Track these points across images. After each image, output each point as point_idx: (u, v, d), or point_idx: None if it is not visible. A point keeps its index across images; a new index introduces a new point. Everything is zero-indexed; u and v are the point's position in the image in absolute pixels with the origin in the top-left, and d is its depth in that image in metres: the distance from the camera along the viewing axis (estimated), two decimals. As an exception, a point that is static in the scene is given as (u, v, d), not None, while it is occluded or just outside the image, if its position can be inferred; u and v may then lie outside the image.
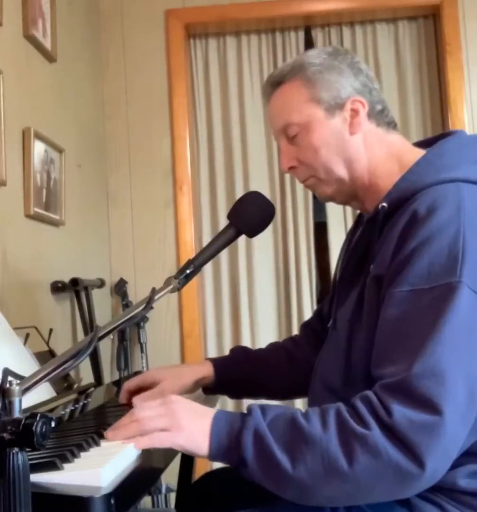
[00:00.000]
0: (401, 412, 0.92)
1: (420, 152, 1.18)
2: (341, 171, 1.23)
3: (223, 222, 2.97)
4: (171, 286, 1.21)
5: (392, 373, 0.96)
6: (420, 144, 1.24)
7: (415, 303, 0.99)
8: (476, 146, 1.17)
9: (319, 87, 1.22)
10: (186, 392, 1.41)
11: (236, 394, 1.55)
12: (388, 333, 1.01)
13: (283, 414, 1.00)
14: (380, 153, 1.22)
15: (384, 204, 1.13)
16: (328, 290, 1.52)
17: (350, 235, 1.40)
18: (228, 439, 0.99)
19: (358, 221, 1.40)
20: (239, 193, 2.96)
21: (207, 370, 1.45)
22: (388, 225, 1.12)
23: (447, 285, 0.97)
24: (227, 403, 2.93)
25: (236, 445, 0.98)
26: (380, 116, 1.24)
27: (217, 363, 1.47)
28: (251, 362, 1.50)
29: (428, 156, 1.15)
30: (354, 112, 1.21)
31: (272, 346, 1.57)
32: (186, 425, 1.00)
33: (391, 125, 1.25)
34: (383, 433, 0.93)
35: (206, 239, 3.00)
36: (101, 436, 1.05)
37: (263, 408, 1.02)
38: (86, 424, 1.22)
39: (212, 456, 0.99)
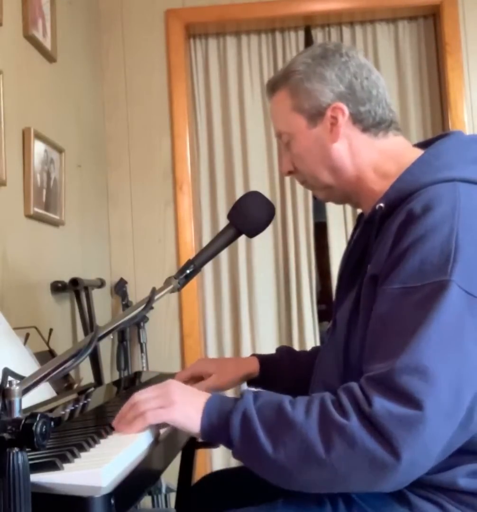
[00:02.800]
0: (381, 404, 0.93)
1: (419, 153, 1.17)
2: (327, 179, 1.25)
3: (223, 222, 2.97)
4: (171, 286, 1.21)
5: (378, 368, 0.97)
6: (420, 146, 1.24)
7: (405, 301, 1.00)
8: (473, 146, 1.16)
9: (300, 96, 1.22)
10: (232, 387, 1.50)
11: (280, 391, 1.57)
12: (378, 329, 1.02)
13: (272, 400, 1.04)
14: (369, 158, 1.21)
15: (381, 204, 1.13)
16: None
17: (351, 236, 1.40)
18: (218, 419, 1.03)
19: (358, 221, 1.40)
20: (239, 193, 2.95)
21: (253, 367, 1.49)
22: (385, 225, 1.12)
23: (437, 283, 0.97)
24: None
25: (225, 425, 1.02)
26: (367, 118, 1.20)
27: (263, 360, 1.51)
28: (295, 362, 1.52)
29: (425, 157, 1.15)
30: (335, 120, 1.20)
31: (316, 348, 1.59)
32: (179, 401, 1.06)
33: (381, 126, 1.21)
34: (361, 423, 0.94)
35: (206, 239, 3.00)
36: (101, 436, 1.06)
37: (255, 394, 1.06)
38: (86, 424, 1.22)
39: (203, 434, 1.04)
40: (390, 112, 1.24)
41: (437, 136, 1.23)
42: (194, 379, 1.48)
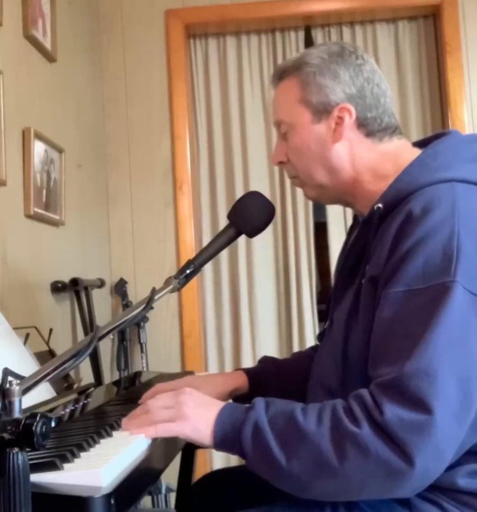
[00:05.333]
0: (392, 411, 0.93)
1: (416, 153, 1.17)
2: (322, 178, 1.23)
3: (223, 222, 2.97)
4: (171, 286, 1.21)
5: (387, 373, 0.97)
6: (417, 144, 1.23)
7: (410, 303, 0.99)
8: (470, 145, 1.16)
9: (310, 89, 1.21)
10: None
11: None
12: (384, 333, 1.02)
13: (284, 408, 1.03)
14: (368, 161, 1.20)
15: (380, 205, 1.12)
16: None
17: (347, 236, 1.40)
18: (231, 431, 1.03)
19: (354, 221, 1.39)
20: (239, 193, 2.96)
21: (242, 381, 1.44)
22: (383, 225, 1.11)
23: (441, 285, 0.97)
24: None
25: (238, 437, 1.02)
26: (372, 124, 1.20)
27: (251, 373, 1.46)
28: (281, 372, 1.49)
29: (422, 157, 1.15)
30: (340, 120, 1.19)
31: (298, 355, 1.58)
32: (191, 416, 1.05)
33: (387, 131, 1.21)
34: (374, 432, 0.94)
35: (206, 239, 3.00)
36: (101, 436, 1.06)
37: (267, 403, 1.05)
38: (86, 424, 1.22)
39: (216, 446, 1.04)
40: (395, 120, 1.24)
41: (434, 135, 1.23)
42: None
